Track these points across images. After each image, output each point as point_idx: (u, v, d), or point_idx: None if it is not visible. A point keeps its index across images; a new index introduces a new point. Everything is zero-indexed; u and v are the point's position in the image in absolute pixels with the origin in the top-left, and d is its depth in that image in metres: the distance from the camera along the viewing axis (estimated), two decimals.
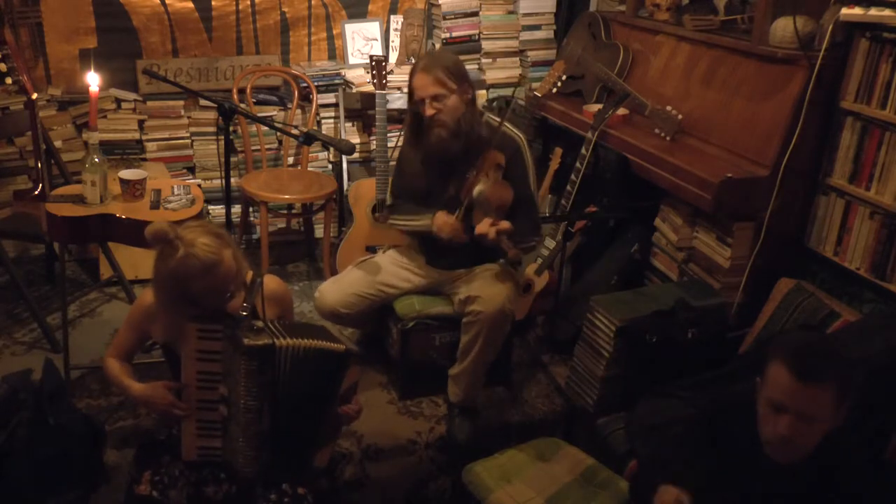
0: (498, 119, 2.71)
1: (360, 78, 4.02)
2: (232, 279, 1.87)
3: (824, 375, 1.55)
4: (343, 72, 4.05)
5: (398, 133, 4.06)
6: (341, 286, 2.82)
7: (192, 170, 4.00)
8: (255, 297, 1.96)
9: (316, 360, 1.88)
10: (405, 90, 3.98)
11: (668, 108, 3.09)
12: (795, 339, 1.74)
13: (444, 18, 4.08)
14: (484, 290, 2.63)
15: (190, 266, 1.79)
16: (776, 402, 1.59)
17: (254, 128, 3.89)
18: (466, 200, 2.59)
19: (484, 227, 2.50)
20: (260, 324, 1.87)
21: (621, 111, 3.29)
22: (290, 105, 3.95)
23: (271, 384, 1.83)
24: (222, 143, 3.83)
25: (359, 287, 2.81)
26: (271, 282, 2.10)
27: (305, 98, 4.00)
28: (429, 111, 2.61)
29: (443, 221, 2.64)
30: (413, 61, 4.08)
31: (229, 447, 1.90)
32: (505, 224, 2.49)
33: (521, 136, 2.73)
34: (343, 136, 4.00)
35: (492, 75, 4.23)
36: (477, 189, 2.54)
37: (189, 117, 3.92)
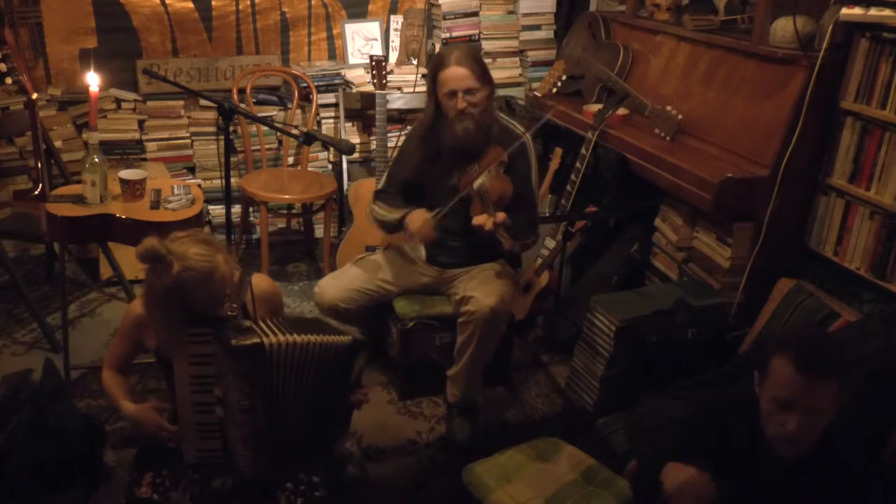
0: (507, 118, 2.76)
1: (360, 78, 4.02)
2: (228, 283, 1.87)
3: (829, 369, 1.56)
4: (343, 72, 4.05)
5: (398, 133, 4.07)
6: (341, 281, 2.82)
7: (192, 170, 4.00)
8: (244, 297, 1.95)
9: (316, 354, 1.87)
10: (405, 90, 4.03)
11: (668, 108, 3.09)
12: (797, 335, 1.75)
13: (444, 18, 4.08)
14: (479, 289, 2.63)
15: (187, 279, 1.77)
16: (783, 400, 1.57)
17: (254, 128, 3.89)
18: (464, 192, 2.59)
19: (481, 218, 2.50)
20: (248, 323, 1.86)
21: (621, 111, 3.29)
22: (290, 105, 3.95)
23: (264, 383, 1.83)
24: (222, 143, 3.82)
25: (359, 282, 2.81)
26: (261, 280, 2.09)
27: (305, 98, 4.00)
28: (461, 104, 2.61)
29: (416, 216, 2.63)
30: (413, 61, 4.11)
31: (228, 448, 1.90)
32: (501, 215, 2.49)
33: (527, 135, 2.74)
34: (343, 136, 4.00)
35: (492, 75, 4.22)
36: (478, 182, 2.54)
37: (189, 117, 3.92)
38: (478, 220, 2.51)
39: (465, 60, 2.62)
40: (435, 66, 2.67)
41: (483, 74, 2.65)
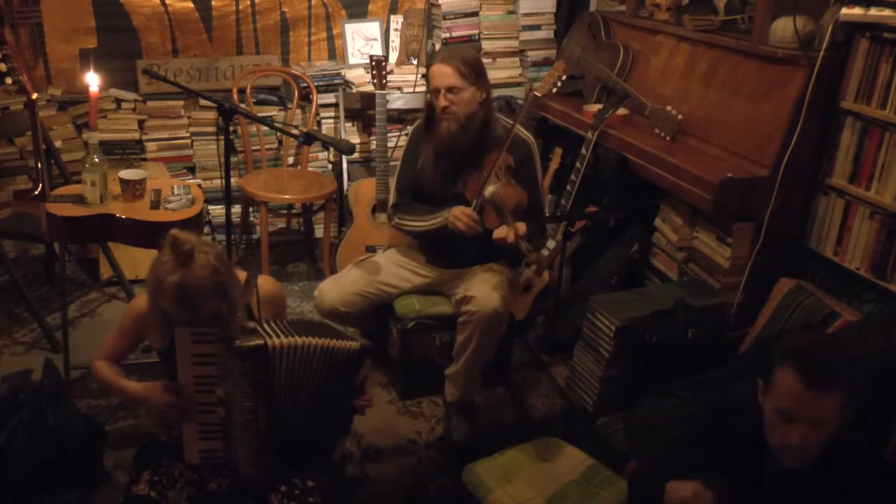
0: (510, 121, 2.71)
1: (360, 78, 4.02)
2: (234, 303, 1.86)
3: (834, 382, 1.52)
4: (343, 72, 4.05)
5: (398, 133, 4.07)
6: (341, 285, 2.82)
7: (192, 170, 4.00)
8: (249, 298, 1.96)
9: (319, 357, 1.87)
10: (405, 90, 4.03)
11: (668, 108, 3.09)
12: (802, 344, 1.65)
13: (444, 18, 4.08)
14: (479, 289, 2.62)
15: (202, 286, 1.77)
16: (786, 411, 1.55)
17: (254, 128, 3.89)
18: (479, 200, 2.57)
19: (502, 231, 2.46)
20: (252, 324, 1.86)
21: (621, 111, 3.29)
22: (290, 105, 3.95)
23: (266, 384, 1.83)
24: (222, 143, 3.82)
25: (359, 286, 2.81)
26: (266, 282, 2.09)
27: (305, 98, 4.00)
28: (442, 102, 2.60)
29: (460, 212, 2.58)
30: (413, 61, 4.11)
31: (230, 449, 1.90)
32: (522, 227, 2.46)
33: (531, 138, 2.73)
34: (343, 136, 4.00)
35: (492, 75, 4.16)
36: (489, 190, 2.52)
37: (189, 117, 3.92)
38: (499, 233, 2.47)
39: (451, 59, 2.60)
40: (427, 65, 2.67)
41: (470, 75, 2.60)
